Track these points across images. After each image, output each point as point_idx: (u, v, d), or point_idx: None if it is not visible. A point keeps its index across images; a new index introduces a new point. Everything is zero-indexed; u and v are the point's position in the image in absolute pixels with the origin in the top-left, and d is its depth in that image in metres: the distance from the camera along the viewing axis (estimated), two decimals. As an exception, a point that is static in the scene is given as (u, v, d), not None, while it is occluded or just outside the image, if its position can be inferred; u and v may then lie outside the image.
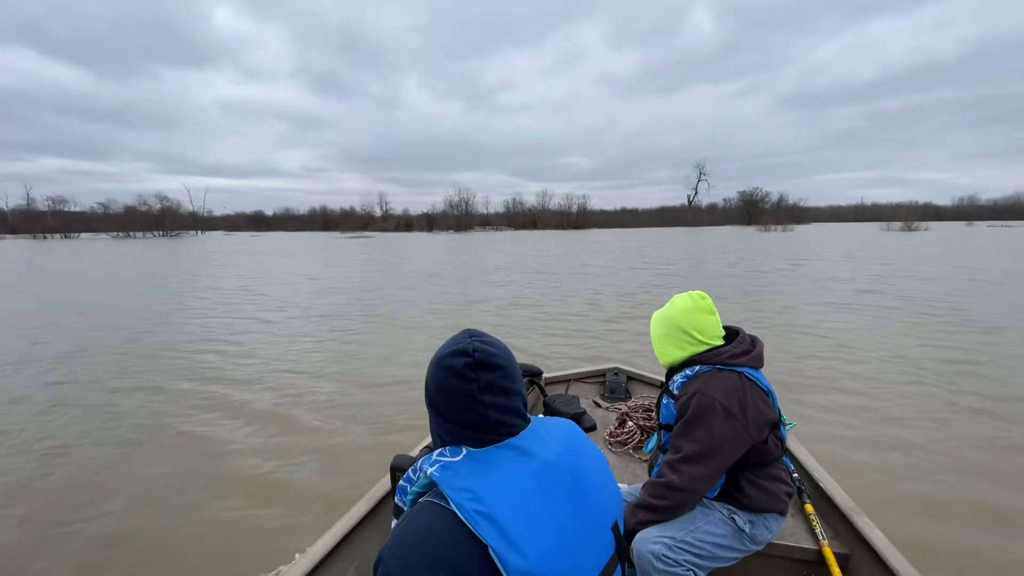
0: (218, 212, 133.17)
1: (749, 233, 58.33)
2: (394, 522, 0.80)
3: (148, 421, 4.17)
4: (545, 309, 9.26)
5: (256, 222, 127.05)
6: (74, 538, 2.62)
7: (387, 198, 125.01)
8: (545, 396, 2.79)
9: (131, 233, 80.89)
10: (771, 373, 1.52)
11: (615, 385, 2.98)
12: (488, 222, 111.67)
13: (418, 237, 64.79)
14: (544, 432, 0.79)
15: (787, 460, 1.50)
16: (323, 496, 2.98)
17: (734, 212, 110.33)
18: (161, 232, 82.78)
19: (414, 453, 1.11)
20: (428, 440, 0.98)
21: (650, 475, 1.52)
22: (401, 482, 0.79)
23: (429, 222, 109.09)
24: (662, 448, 1.50)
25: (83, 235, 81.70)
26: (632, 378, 3.15)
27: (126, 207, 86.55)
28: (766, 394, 1.39)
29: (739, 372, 1.36)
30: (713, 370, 1.37)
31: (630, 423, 2.32)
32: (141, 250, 36.90)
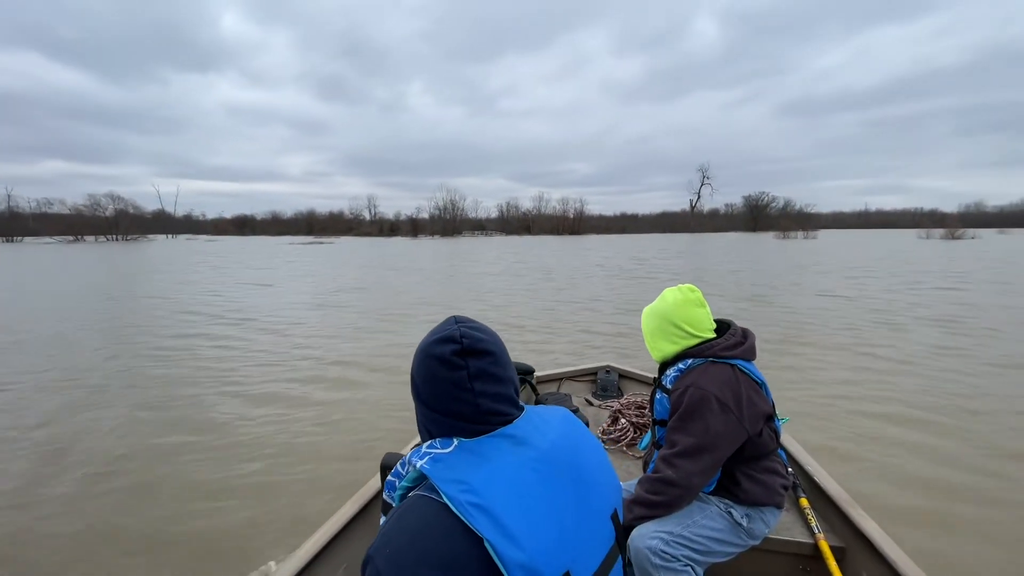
0: (212, 215, 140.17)
1: (763, 240, 55.21)
2: (383, 519, 0.81)
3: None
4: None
5: (241, 225, 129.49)
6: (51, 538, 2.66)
7: (376, 202, 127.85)
8: (537, 395, 2.95)
9: (81, 237, 79.72)
10: (763, 364, 1.64)
11: (607, 383, 3.14)
12: (480, 227, 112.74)
13: (393, 242, 64.68)
14: (540, 420, 0.80)
15: (782, 453, 1.61)
16: (311, 496, 3.15)
17: (738, 218, 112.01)
18: (116, 236, 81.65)
19: (405, 451, 1.17)
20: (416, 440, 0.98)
21: (645, 472, 1.62)
22: (390, 477, 0.79)
23: (414, 226, 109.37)
24: (657, 444, 1.60)
25: (27, 239, 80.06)
26: (624, 376, 3.33)
27: (73, 208, 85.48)
28: (759, 386, 1.50)
29: (732, 364, 1.48)
30: (706, 363, 1.48)
31: (623, 420, 2.44)
32: (88, 256, 36.36)
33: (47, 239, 79.38)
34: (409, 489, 0.75)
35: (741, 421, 1.40)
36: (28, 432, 4.27)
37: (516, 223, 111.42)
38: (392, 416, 4.57)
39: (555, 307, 10.89)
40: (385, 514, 0.82)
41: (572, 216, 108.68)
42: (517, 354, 6.37)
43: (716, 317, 1.62)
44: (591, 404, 2.94)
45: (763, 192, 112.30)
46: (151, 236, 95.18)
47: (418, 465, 0.71)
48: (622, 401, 2.71)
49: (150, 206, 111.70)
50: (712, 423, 1.38)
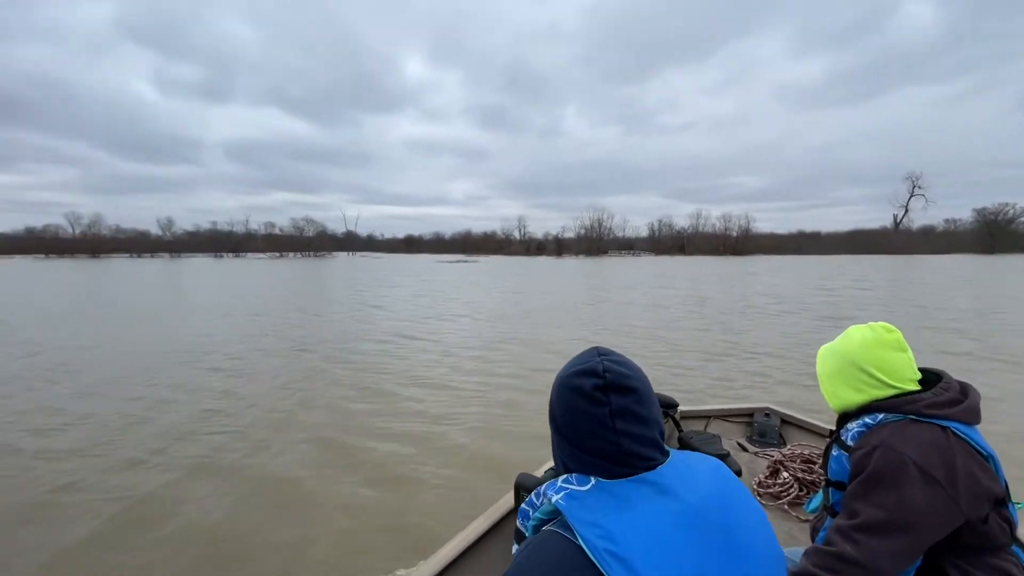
0: (388, 235, 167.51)
1: (1012, 265, 41.81)
2: (515, 546, 0.81)
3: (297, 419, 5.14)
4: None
5: (409, 244, 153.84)
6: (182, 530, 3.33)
7: (526, 222, 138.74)
8: (680, 431, 2.74)
9: (285, 253, 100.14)
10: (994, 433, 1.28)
11: (766, 428, 2.81)
12: (628, 246, 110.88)
13: (537, 262, 66.79)
14: (687, 469, 0.75)
15: (1017, 550, 1.26)
16: (445, 507, 3.40)
17: (966, 236, 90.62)
18: (309, 253, 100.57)
19: (539, 473, 1.16)
20: (552, 462, 1.01)
21: (813, 540, 1.41)
22: (524, 505, 0.79)
23: (558, 246, 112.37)
24: (830, 509, 1.38)
25: (249, 255, 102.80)
26: (788, 422, 2.94)
27: (283, 230, 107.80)
28: (985, 459, 1.20)
29: (944, 426, 1.21)
30: (905, 420, 1.23)
31: (785, 474, 2.16)
32: (286, 268, 45.24)
33: (261, 255, 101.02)
34: (543, 521, 0.74)
35: (955, 499, 1.12)
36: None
37: (668, 242, 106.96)
38: (528, 436, 4.71)
39: (706, 334, 10.09)
40: (518, 541, 0.82)
41: (735, 234, 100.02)
42: (659, 385, 6.05)
43: (922, 366, 1.34)
44: (745, 450, 2.66)
45: (1004, 204, 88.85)
46: (335, 253, 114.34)
47: (553, 499, 0.71)
48: (784, 451, 2.40)
49: (338, 228, 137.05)
50: (909, 496, 1.13)
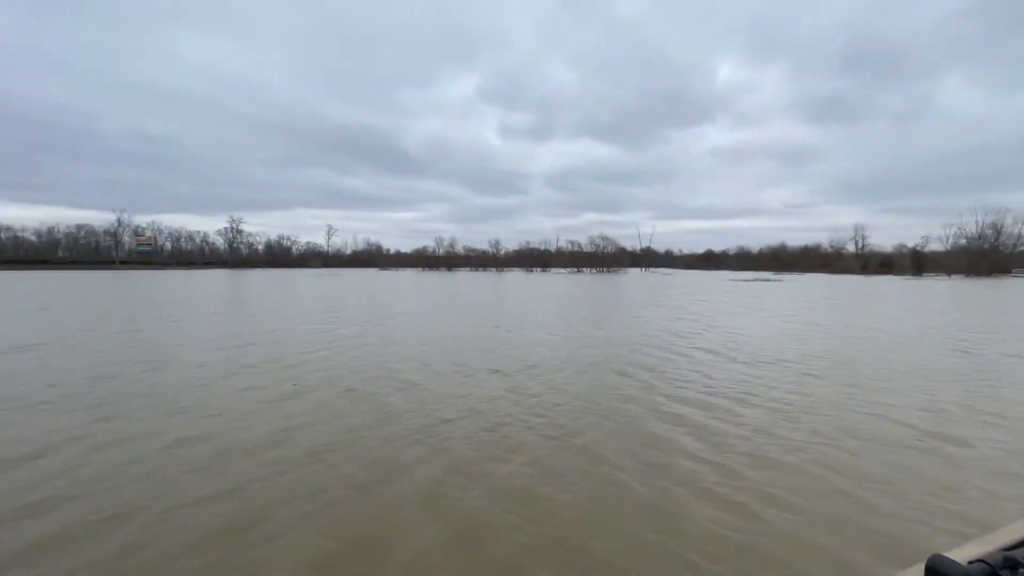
0: (686, 251, 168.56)
1: None
2: None
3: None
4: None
5: (707, 259, 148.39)
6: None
7: (864, 231, 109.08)
8: None
9: (580, 269, 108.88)
10: None
11: None
12: (1046, 262, 74.42)
13: (878, 283, 50.86)
14: None
15: None
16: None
17: None
18: (604, 268, 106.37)
19: (959, 558, 0.84)
20: (986, 551, 0.87)
21: None
22: None
23: (916, 261, 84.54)
24: None
25: (552, 269, 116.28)
26: None
27: (580, 247, 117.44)
28: None
29: None
30: None
31: None
32: (580, 281, 48.47)
33: (562, 270, 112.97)
34: None
35: None
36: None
37: None
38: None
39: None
40: None
41: None
42: None
43: None
44: None
45: None
46: (627, 269, 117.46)
47: None
48: None
49: (635, 244, 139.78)
50: None
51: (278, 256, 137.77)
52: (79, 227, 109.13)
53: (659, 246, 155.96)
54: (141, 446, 4.70)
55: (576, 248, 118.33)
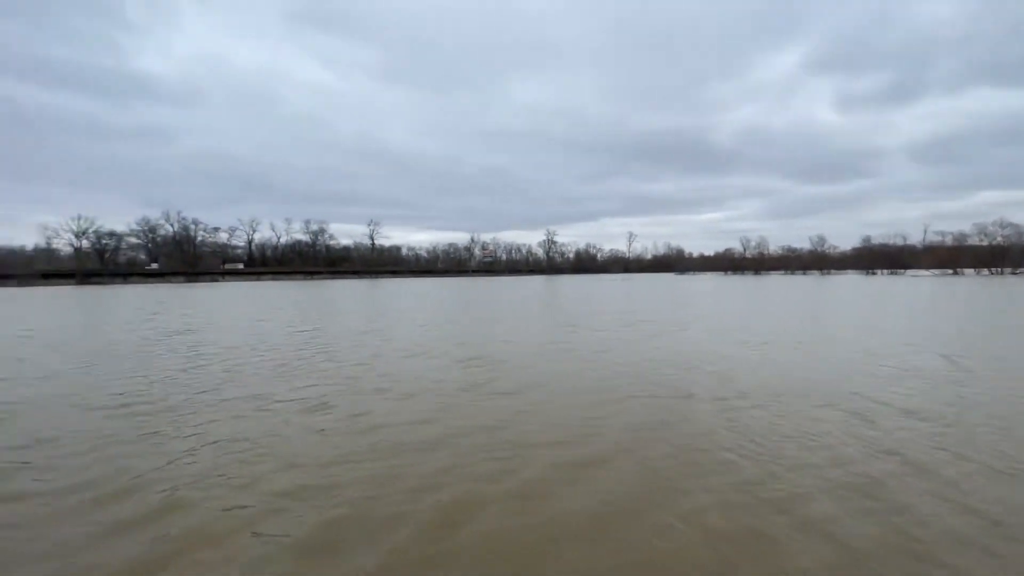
0: None
1: None
2: None
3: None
4: None
5: None
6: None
7: None
8: None
9: (958, 270, 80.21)
10: None
11: None
12: None
13: None
14: None
15: None
16: None
17: None
18: (999, 270, 75.91)
19: None
20: None
21: None
22: None
23: None
24: None
25: (909, 271, 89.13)
26: None
27: (958, 239, 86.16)
28: None
29: None
30: None
31: None
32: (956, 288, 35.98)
33: (923, 272, 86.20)
34: None
35: None
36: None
37: None
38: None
39: None
40: None
41: None
42: None
43: None
44: None
45: None
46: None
47: None
48: None
49: None
50: None
51: (585, 262, 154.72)
52: (450, 245, 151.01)
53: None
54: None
55: (957, 241, 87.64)
